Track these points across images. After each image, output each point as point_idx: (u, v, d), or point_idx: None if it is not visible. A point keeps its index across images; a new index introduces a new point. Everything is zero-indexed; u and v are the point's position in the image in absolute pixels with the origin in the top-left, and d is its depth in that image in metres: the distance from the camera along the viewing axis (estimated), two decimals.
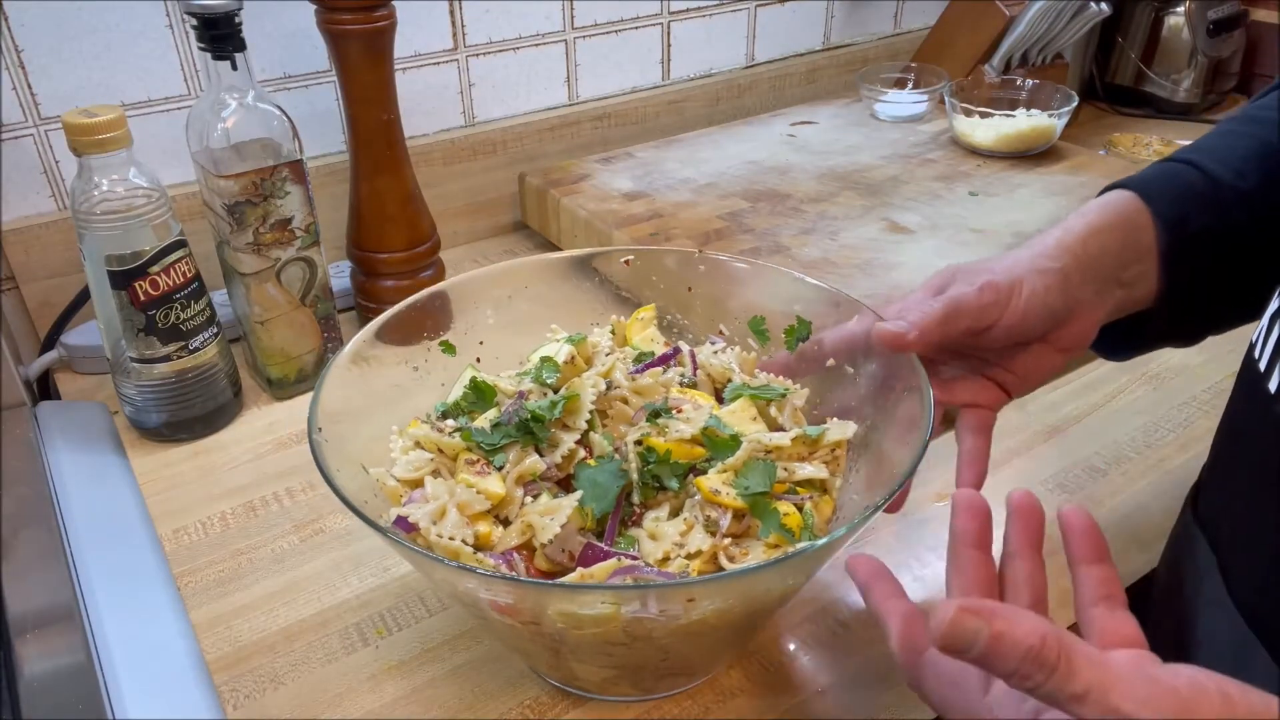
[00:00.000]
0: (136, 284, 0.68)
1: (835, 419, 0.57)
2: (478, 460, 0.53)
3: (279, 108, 0.72)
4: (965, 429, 0.57)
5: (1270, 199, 0.53)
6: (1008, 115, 1.07)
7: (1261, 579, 0.47)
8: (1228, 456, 0.52)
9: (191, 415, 0.75)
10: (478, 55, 1.02)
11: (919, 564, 0.63)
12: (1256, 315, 0.53)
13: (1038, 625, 0.34)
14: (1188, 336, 0.59)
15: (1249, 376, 0.48)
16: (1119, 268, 0.54)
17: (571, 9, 1.05)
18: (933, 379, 0.55)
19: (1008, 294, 0.52)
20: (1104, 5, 1.15)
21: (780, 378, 0.61)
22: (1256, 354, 0.47)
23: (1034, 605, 0.42)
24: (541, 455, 0.53)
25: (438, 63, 0.99)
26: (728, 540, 0.50)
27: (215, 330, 0.75)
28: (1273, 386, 0.44)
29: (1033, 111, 1.08)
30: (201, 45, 0.69)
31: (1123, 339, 0.58)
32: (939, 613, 0.34)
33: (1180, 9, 1.27)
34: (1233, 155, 0.55)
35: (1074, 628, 0.40)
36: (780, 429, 0.56)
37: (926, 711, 0.53)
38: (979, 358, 0.57)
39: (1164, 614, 0.57)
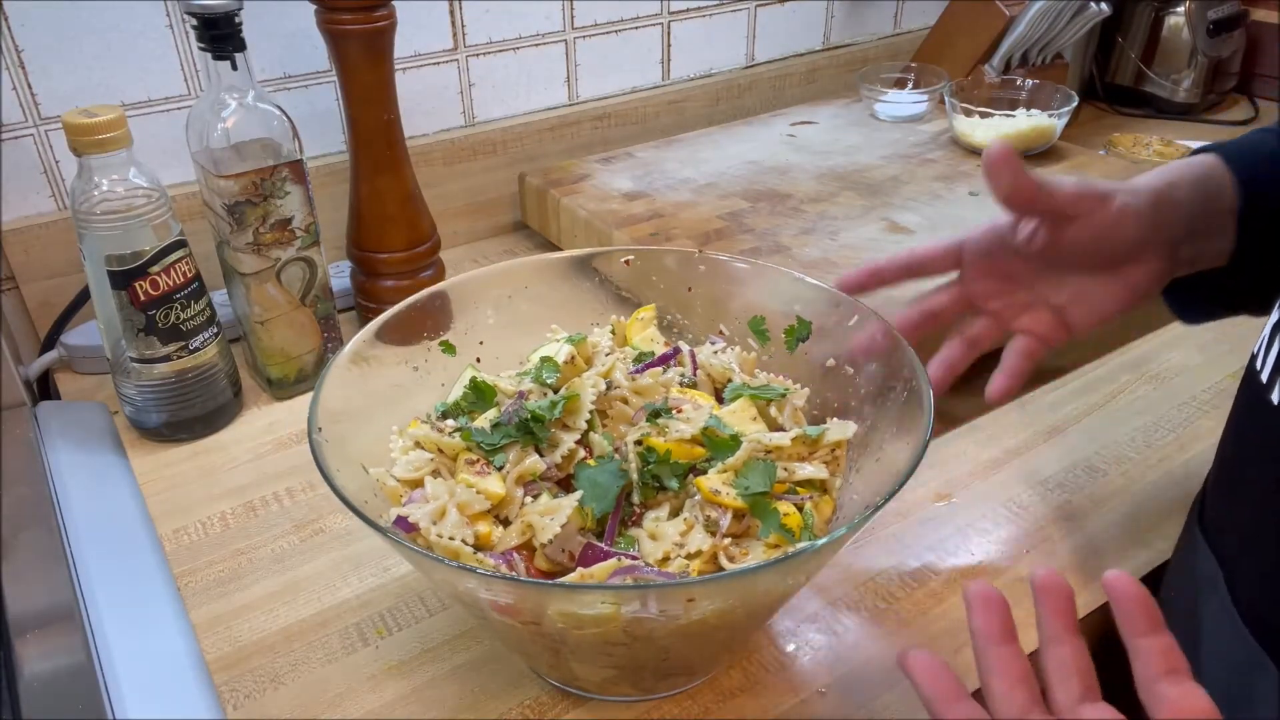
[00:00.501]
0: (136, 284, 0.68)
1: (835, 419, 0.57)
2: (478, 460, 0.53)
3: (279, 108, 0.72)
4: (1013, 350, 0.57)
5: None
6: (1008, 115, 1.07)
7: (1268, 592, 0.47)
8: (1231, 468, 0.52)
9: (191, 415, 0.75)
10: (478, 55, 1.02)
11: (919, 564, 0.63)
12: None
13: None
14: (1260, 304, 0.58)
15: (1251, 389, 0.48)
16: (1198, 217, 0.54)
17: (571, 9, 1.05)
18: (999, 304, 0.56)
19: (1101, 198, 0.53)
20: (1104, 5, 1.15)
21: (780, 377, 0.61)
22: (1258, 365, 0.47)
23: (1085, 692, 0.39)
24: (541, 455, 0.53)
25: (438, 63, 0.99)
26: (728, 540, 0.50)
27: (215, 330, 0.75)
28: (1275, 399, 0.44)
29: (1033, 111, 1.08)
30: (201, 45, 0.69)
31: (1197, 299, 0.58)
32: None
33: (1180, 9, 1.27)
34: None
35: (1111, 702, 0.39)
36: (780, 429, 0.56)
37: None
38: (1049, 283, 0.56)
39: (1169, 625, 0.57)
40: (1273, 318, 0.46)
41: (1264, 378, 0.46)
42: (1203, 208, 0.54)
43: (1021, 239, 0.56)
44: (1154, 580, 0.62)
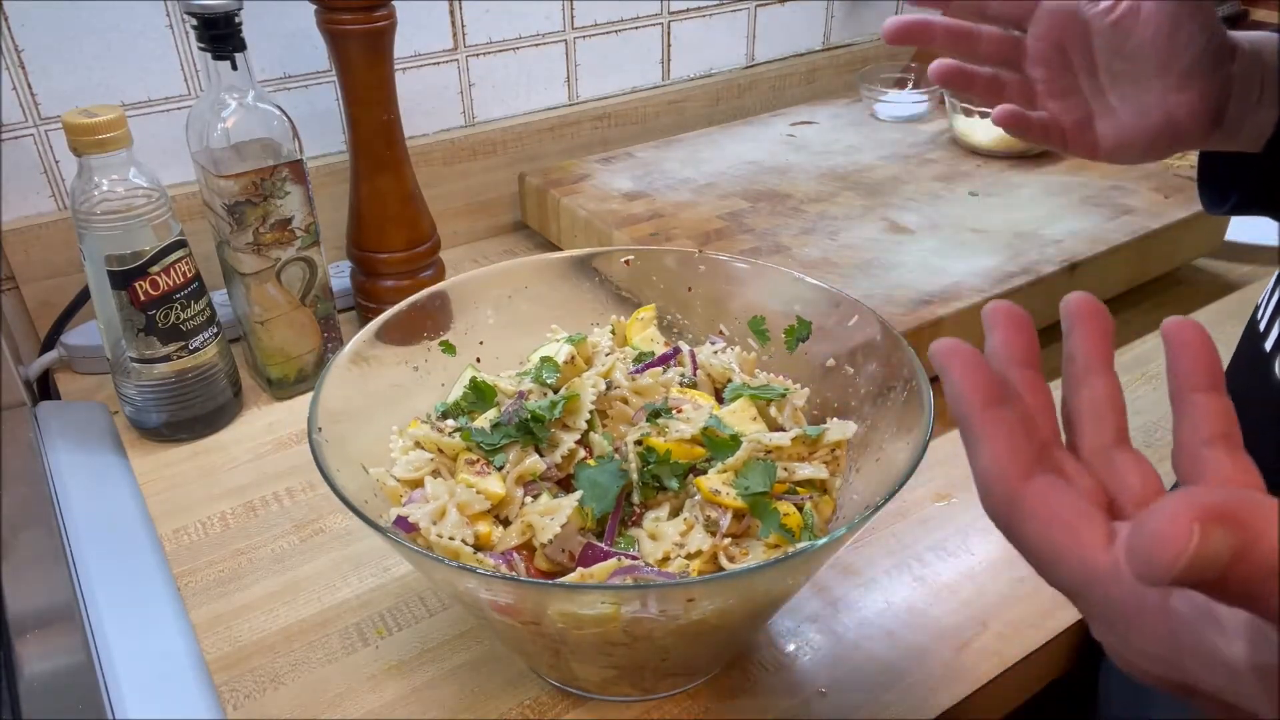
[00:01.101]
0: (136, 284, 0.68)
1: (835, 419, 0.57)
2: (478, 460, 0.53)
3: (279, 108, 0.72)
4: (1034, 113, 0.56)
5: None
6: None
7: None
8: None
9: (191, 415, 0.75)
10: (478, 55, 1.02)
11: (919, 564, 0.63)
12: None
13: None
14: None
15: (1250, 334, 0.48)
16: (1259, 78, 0.53)
17: (571, 9, 1.05)
18: (1042, 73, 0.55)
19: None
20: None
21: (780, 377, 0.61)
22: (1260, 313, 0.47)
23: (1120, 436, 0.33)
24: (541, 455, 0.53)
25: (438, 63, 0.99)
26: (728, 540, 0.50)
27: (215, 330, 0.75)
28: (1268, 345, 0.44)
29: None
30: (201, 45, 0.69)
31: (1225, 183, 0.56)
32: (1156, 522, 0.23)
33: None
34: None
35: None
36: (780, 429, 0.56)
37: (927, 712, 0.53)
38: (1096, 84, 0.55)
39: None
40: None
41: (1262, 325, 0.46)
42: (1258, 68, 0.53)
43: (1101, 4, 0.53)
44: None
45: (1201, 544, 0.22)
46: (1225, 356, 0.49)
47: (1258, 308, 0.47)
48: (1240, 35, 0.54)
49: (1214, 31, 0.52)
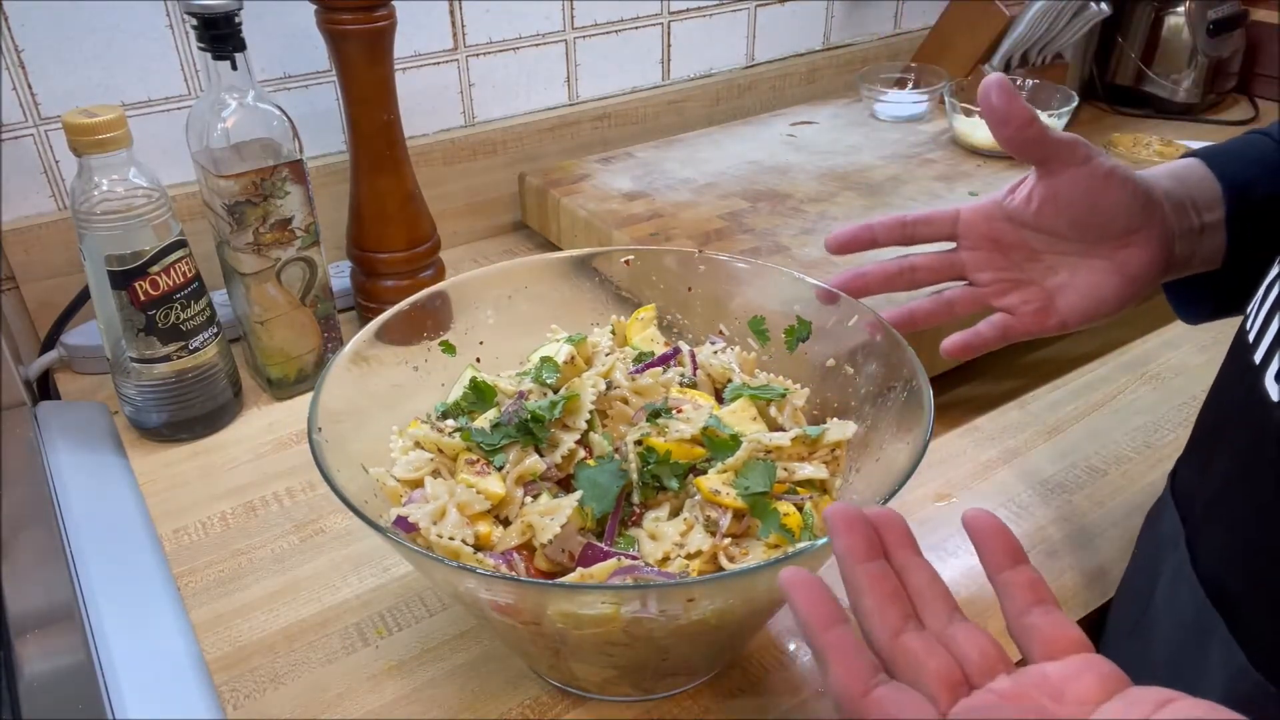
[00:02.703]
0: (136, 284, 0.68)
1: (835, 419, 0.57)
2: (478, 460, 0.53)
3: (279, 108, 0.72)
4: (989, 320, 0.58)
5: None
6: None
7: (1226, 550, 0.47)
8: (1208, 429, 0.52)
9: (191, 415, 0.75)
10: (478, 55, 1.02)
11: None
12: None
13: None
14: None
15: (1238, 347, 0.48)
16: (1187, 211, 0.54)
17: (571, 9, 1.05)
18: (989, 275, 0.57)
19: (1094, 153, 0.53)
20: (1104, 5, 1.15)
21: (780, 377, 0.61)
22: (1248, 325, 0.47)
23: (951, 614, 0.38)
24: (541, 455, 0.53)
25: (438, 63, 0.99)
26: (728, 540, 0.50)
27: (215, 330, 0.75)
28: (1257, 357, 0.44)
29: None
30: (201, 45, 0.69)
31: (1198, 297, 0.58)
32: None
33: (1180, 9, 1.27)
34: None
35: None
36: (780, 429, 0.56)
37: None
38: (1043, 265, 0.56)
39: (1130, 585, 0.57)
40: (1270, 274, 0.46)
41: (1250, 336, 0.46)
42: (1190, 200, 0.54)
43: (1018, 197, 0.56)
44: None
45: None
46: (1221, 350, 0.49)
47: (1246, 318, 0.47)
48: (1155, 173, 0.56)
49: (1137, 184, 0.54)
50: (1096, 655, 0.35)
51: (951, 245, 0.59)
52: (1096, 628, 0.60)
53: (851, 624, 0.36)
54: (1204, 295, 0.58)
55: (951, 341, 0.59)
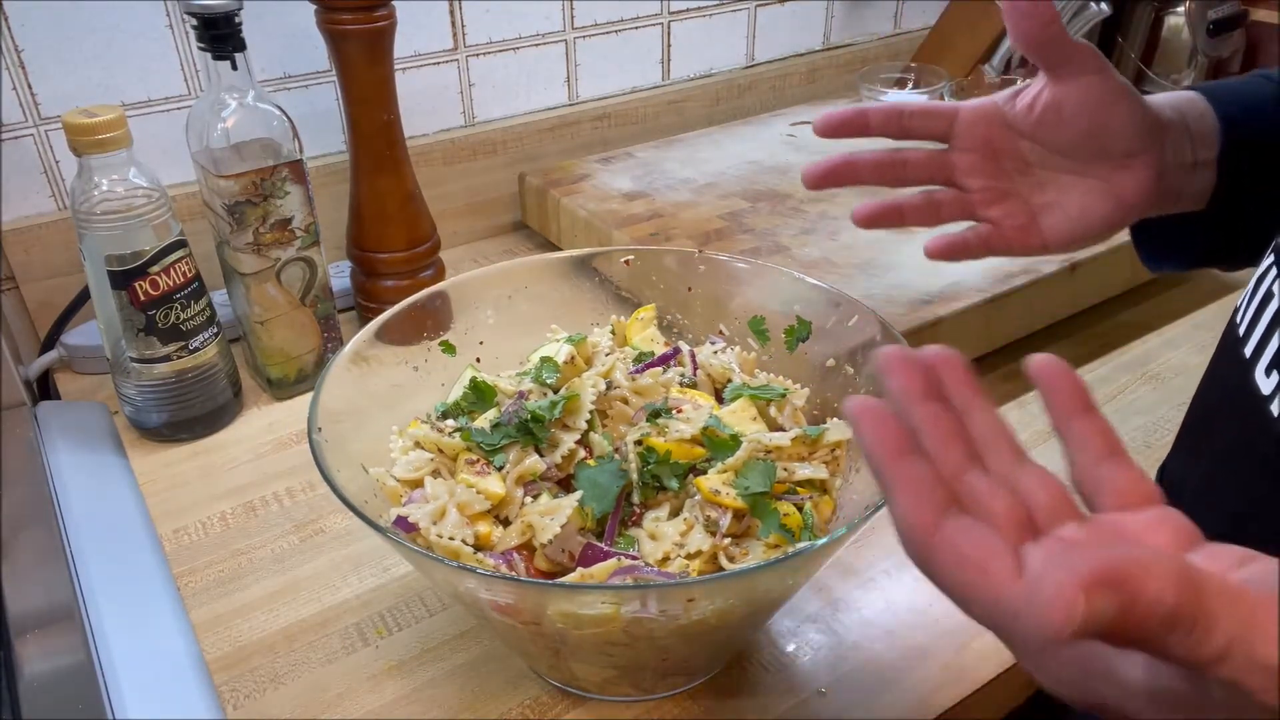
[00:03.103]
0: (136, 284, 0.68)
1: (835, 419, 0.57)
2: (478, 460, 0.53)
3: (279, 108, 0.72)
4: (972, 228, 0.55)
5: None
6: None
7: (1212, 540, 0.47)
8: (1197, 421, 0.52)
9: (191, 415, 0.75)
10: (478, 55, 1.01)
11: None
12: None
13: (1169, 569, 0.26)
14: (1230, 255, 0.56)
15: (1228, 341, 0.48)
16: (1183, 141, 0.52)
17: (571, 9, 1.05)
18: (978, 182, 0.54)
19: (1106, 66, 0.51)
20: (1104, 5, 1.15)
21: (780, 377, 0.61)
22: (1238, 319, 0.47)
23: (1017, 455, 0.35)
24: (541, 455, 0.53)
25: (438, 63, 0.99)
26: (728, 540, 0.50)
27: (215, 330, 0.75)
28: (1248, 351, 0.44)
29: None
30: (201, 45, 0.69)
31: (1167, 244, 0.56)
32: (1046, 592, 0.25)
33: (1180, 9, 1.27)
34: None
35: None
36: (780, 429, 0.56)
37: (927, 712, 0.53)
38: (1034, 180, 0.54)
39: None
40: (1259, 268, 0.46)
41: (1241, 330, 0.46)
42: (1186, 133, 0.52)
43: (1020, 103, 0.54)
44: None
45: (1088, 609, 0.25)
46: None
47: (1236, 310, 0.47)
48: (1160, 100, 0.53)
49: (1144, 106, 0.52)
50: (1173, 509, 0.33)
51: (944, 147, 0.57)
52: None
53: (923, 456, 0.33)
54: (1174, 241, 0.55)
55: (935, 241, 0.56)
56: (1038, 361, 0.35)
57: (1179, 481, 0.51)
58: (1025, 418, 0.76)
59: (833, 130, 0.57)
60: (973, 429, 0.35)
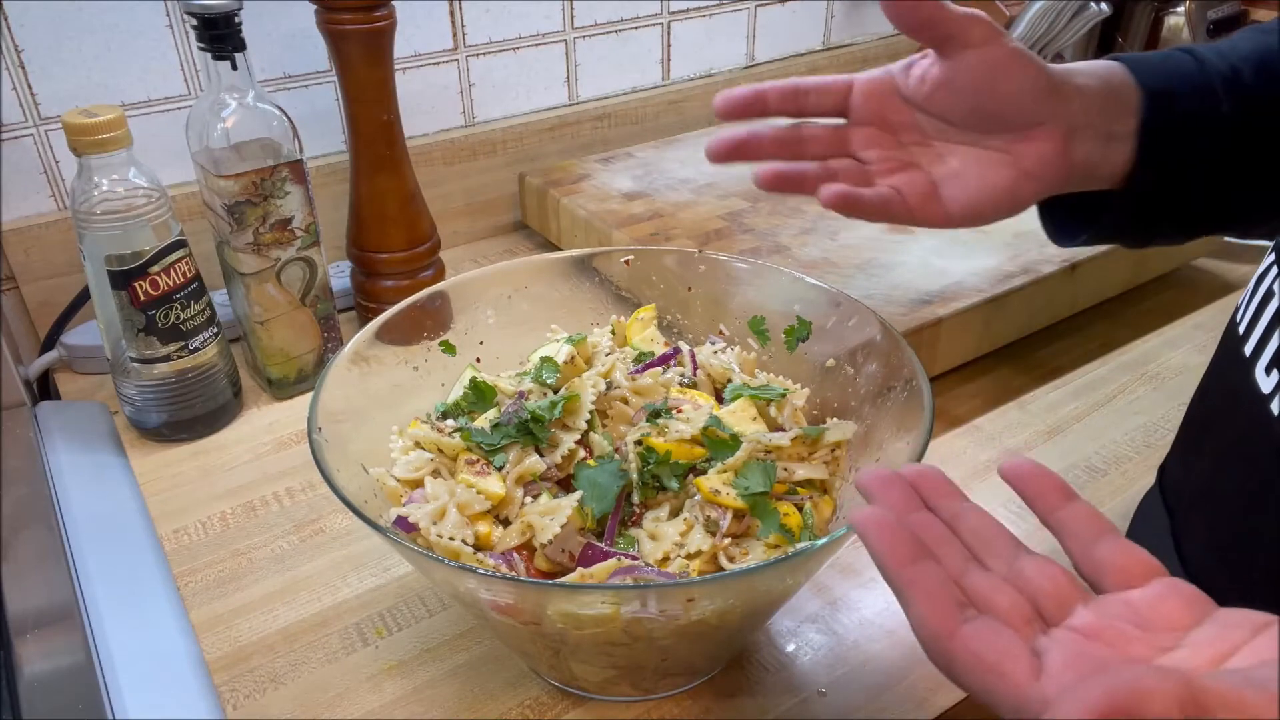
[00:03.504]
0: (136, 284, 0.68)
1: (835, 419, 0.57)
2: (478, 460, 0.53)
3: (279, 108, 0.72)
4: (872, 189, 0.54)
5: (1263, 99, 0.50)
6: None
7: (1209, 542, 0.46)
8: (1197, 421, 0.52)
9: (191, 415, 0.75)
10: (478, 55, 1.02)
11: None
12: (1213, 231, 0.51)
13: (1172, 690, 0.27)
14: (1142, 231, 0.55)
15: (1228, 340, 0.47)
16: (1099, 110, 0.51)
17: (571, 9, 1.05)
18: (876, 154, 0.54)
19: (996, 32, 0.50)
20: (1104, 5, 1.15)
21: (780, 377, 0.61)
22: (1238, 317, 0.47)
23: (1016, 548, 0.36)
24: (541, 455, 0.53)
25: (438, 63, 0.99)
26: (728, 540, 0.50)
27: (215, 330, 0.75)
28: (1248, 349, 0.44)
29: None
30: (201, 45, 0.69)
31: (1077, 216, 0.55)
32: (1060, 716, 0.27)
33: (1180, 9, 1.27)
34: (1234, 52, 0.52)
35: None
36: (780, 429, 0.56)
37: (927, 712, 0.53)
38: (934, 151, 0.53)
39: None
40: (1259, 268, 0.46)
41: (1241, 329, 0.45)
42: (1105, 100, 0.51)
43: (912, 77, 0.53)
44: None
45: None
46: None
47: (1237, 310, 0.47)
48: (1074, 68, 0.52)
49: (1041, 72, 0.50)
50: (1177, 579, 0.33)
51: (843, 121, 0.57)
52: None
53: (934, 560, 0.34)
54: (1083, 215, 0.54)
55: (829, 188, 0.55)
56: (1011, 465, 0.37)
57: (1179, 481, 0.51)
58: (1025, 418, 0.76)
59: (732, 112, 0.57)
60: (966, 533, 0.36)
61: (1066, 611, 0.33)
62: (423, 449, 0.55)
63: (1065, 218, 0.56)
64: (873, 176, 0.55)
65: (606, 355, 0.61)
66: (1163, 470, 0.55)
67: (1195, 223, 0.55)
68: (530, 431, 0.53)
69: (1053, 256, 0.83)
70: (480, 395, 0.58)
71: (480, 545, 0.49)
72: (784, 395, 0.58)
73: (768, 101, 0.57)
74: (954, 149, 0.53)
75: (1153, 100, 0.51)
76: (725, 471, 0.52)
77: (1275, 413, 0.41)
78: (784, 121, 0.58)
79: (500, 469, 0.52)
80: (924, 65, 0.53)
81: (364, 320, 0.87)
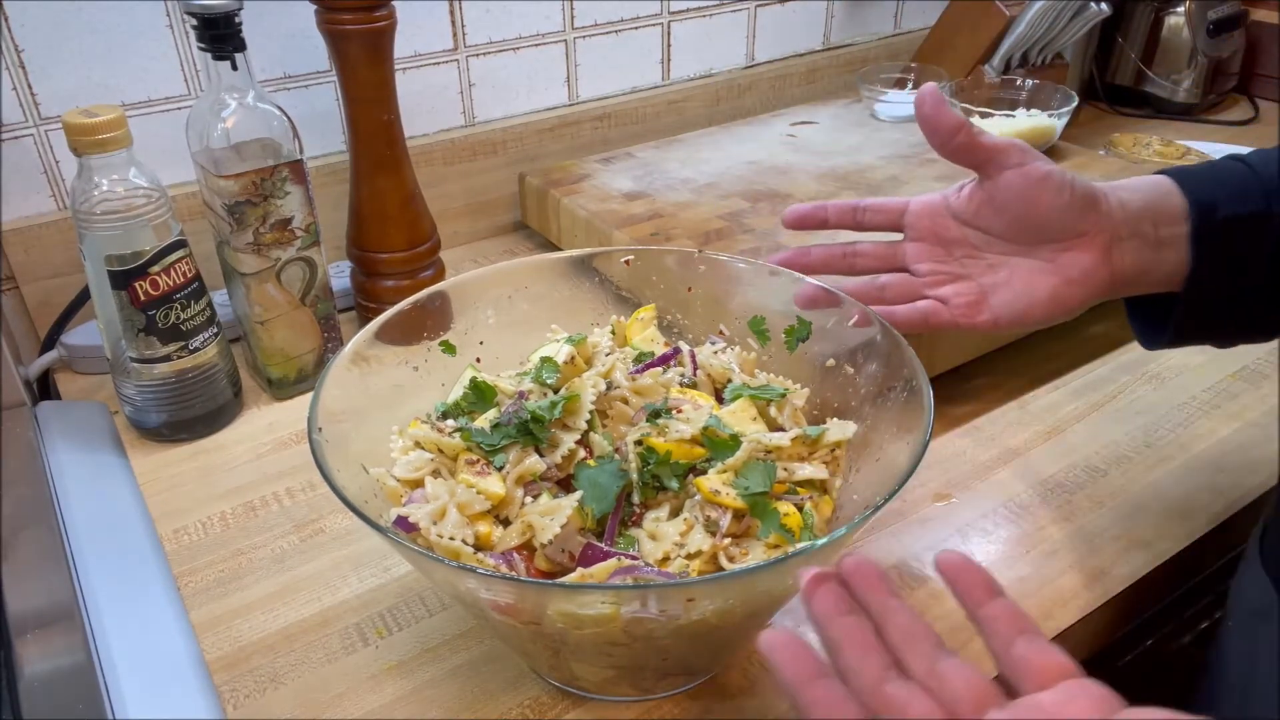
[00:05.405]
0: (136, 284, 0.68)
1: (835, 419, 0.57)
2: (478, 460, 0.53)
3: (279, 108, 0.72)
4: (914, 305, 0.58)
5: None
6: (1008, 115, 1.07)
7: None
8: None
9: (191, 415, 0.75)
10: (478, 55, 1.01)
11: (919, 564, 0.63)
12: None
13: None
14: (1219, 334, 0.58)
15: None
16: (1144, 219, 0.54)
17: (571, 9, 1.05)
18: (927, 266, 0.58)
19: (1028, 154, 0.55)
20: (1104, 5, 1.15)
21: (780, 377, 0.61)
22: None
23: (938, 649, 0.38)
24: (541, 455, 0.53)
25: (438, 63, 0.99)
26: (728, 540, 0.50)
27: (215, 330, 0.75)
28: None
29: (1033, 111, 1.08)
30: (201, 45, 0.69)
31: (1161, 322, 0.57)
32: None
33: (1180, 9, 1.27)
34: None
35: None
36: (780, 429, 0.56)
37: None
38: (983, 263, 0.57)
39: (1228, 670, 0.55)
40: None
41: None
42: (1149, 211, 0.54)
43: (961, 196, 0.57)
44: (1162, 577, 0.62)
45: None
46: (1234, 364, 0.49)
47: None
48: (1116, 184, 0.56)
49: (1073, 190, 0.54)
50: (1088, 679, 0.35)
51: (899, 236, 0.61)
52: (1102, 629, 0.60)
53: (835, 677, 0.36)
54: (1164, 319, 0.57)
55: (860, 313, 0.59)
56: (944, 559, 0.39)
57: (1278, 558, 0.51)
58: (1025, 418, 0.76)
59: (796, 224, 0.62)
60: (892, 633, 0.38)
61: (981, 714, 0.34)
62: (423, 449, 0.55)
63: (1146, 320, 0.59)
64: (920, 288, 0.59)
65: (606, 355, 0.61)
66: (1263, 539, 0.54)
67: (1267, 324, 0.56)
68: (530, 431, 0.53)
69: None
70: (480, 395, 0.58)
71: (480, 545, 0.49)
72: (784, 395, 0.58)
73: (829, 217, 0.62)
74: (1004, 260, 0.57)
75: (1199, 208, 0.53)
76: (725, 471, 0.52)
77: None
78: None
79: (500, 469, 0.52)
80: (969, 186, 0.58)
81: (364, 320, 0.87)
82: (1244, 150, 0.57)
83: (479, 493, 0.50)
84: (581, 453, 0.54)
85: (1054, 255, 0.55)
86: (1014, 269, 0.56)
